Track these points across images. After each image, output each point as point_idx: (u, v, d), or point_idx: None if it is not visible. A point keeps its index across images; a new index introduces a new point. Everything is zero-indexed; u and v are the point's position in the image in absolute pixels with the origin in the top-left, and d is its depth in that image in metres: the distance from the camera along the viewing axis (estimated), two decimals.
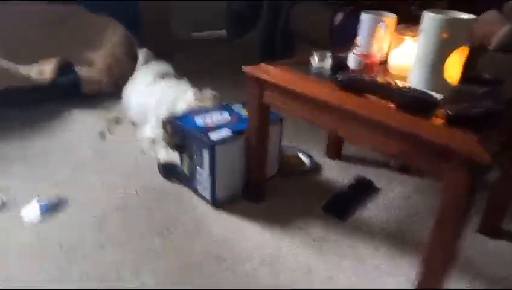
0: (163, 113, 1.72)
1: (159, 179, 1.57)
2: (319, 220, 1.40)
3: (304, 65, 1.27)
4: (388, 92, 0.98)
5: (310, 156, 1.74)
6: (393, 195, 1.55)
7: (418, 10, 1.91)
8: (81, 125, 1.95)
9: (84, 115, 2.04)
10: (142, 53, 2.18)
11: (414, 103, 0.93)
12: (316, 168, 1.70)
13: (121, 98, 2.08)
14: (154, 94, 1.80)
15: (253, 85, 1.27)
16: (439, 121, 0.92)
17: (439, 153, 0.88)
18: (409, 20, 1.84)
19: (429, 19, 1.01)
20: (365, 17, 1.30)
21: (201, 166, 1.40)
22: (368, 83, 1.02)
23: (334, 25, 2.02)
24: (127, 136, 1.88)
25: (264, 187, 1.48)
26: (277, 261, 1.21)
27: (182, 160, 1.51)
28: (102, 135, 1.89)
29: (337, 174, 1.66)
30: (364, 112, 0.99)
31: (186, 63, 2.80)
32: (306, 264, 1.21)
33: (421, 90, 0.97)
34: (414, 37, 1.19)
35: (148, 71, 2.00)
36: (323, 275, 1.18)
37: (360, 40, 1.23)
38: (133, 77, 2.10)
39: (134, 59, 2.32)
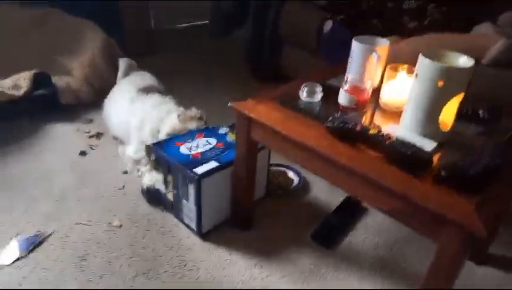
0: (146, 136, 1.66)
1: (144, 205, 1.53)
2: (308, 248, 1.38)
3: (293, 99, 1.22)
4: (380, 145, 0.94)
5: (298, 173, 1.71)
6: (381, 215, 1.54)
7: (410, 22, 1.87)
8: (60, 143, 1.87)
9: (63, 131, 1.95)
10: (123, 63, 2.09)
11: (406, 159, 0.89)
12: (304, 185, 1.67)
13: (101, 108, 2.01)
14: (136, 113, 1.73)
15: (241, 121, 1.21)
16: (432, 181, 0.88)
17: (432, 216, 0.85)
18: (401, 32, 1.79)
19: (425, 66, 0.96)
20: (357, 46, 1.24)
21: (187, 198, 1.35)
22: (358, 134, 0.98)
23: (323, 33, 1.95)
24: (109, 154, 1.81)
25: (251, 214, 1.45)
26: None
27: (166, 185, 1.46)
28: (83, 153, 1.81)
29: (326, 192, 1.64)
30: (354, 164, 0.95)
31: (168, 62, 2.72)
32: None
33: (413, 144, 0.93)
34: (408, 72, 1.15)
35: (129, 85, 1.91)
36: None
37: (349, 76, 1.17)
38: (114, 88, 2.01)
39: (114, 66, 2.22)
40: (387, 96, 1.18)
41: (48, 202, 1.51)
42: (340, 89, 1.17)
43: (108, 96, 2.01)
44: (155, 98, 1.77)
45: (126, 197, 1.56)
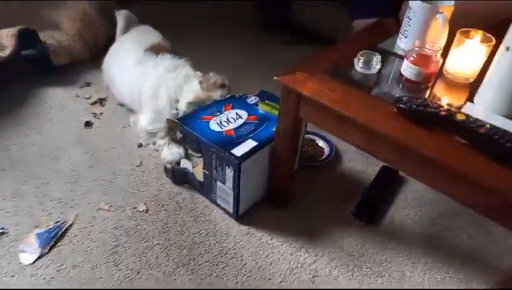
0: (162, 105, 1.48)
1: (168, 184, 1.39)
2: (351, 226, 1.30)
3: (346, 70, 1.07)
4: (470, 134, 0.82)
5: (328, 141, 1.59)
6: (422, 186, 1.46)
7: None
8: (60, 112, 1.67)
9: (60, 97, 1.74)
10: (121, 16, 1.83)
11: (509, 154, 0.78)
12: (336, 154, 1.56)
13: (99, 69, 1.79)
14: (149, 78, 1.53)
15: (288, 97, 1.06)
16: None
17: None
18: None
19: None
20: (417, 6, 1.07)
21: (223, 181, 1.23)
22: (442, 119, 0.85)
23: None
24: (117, 124, 1.63)
25: (289, 191, 1.34)
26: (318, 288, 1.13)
27: (191, 162, 1.32)
28: (88, 124, 1.63)
29: (359, 161, 1.54)
30: (436, 154, 0.84)
31: (161, 11, 2.43)
32: (345, 287, 1.14)
33: (509, 133, 0.81)
34: (484, 40, 1.00)
35: (133, 43, 1.68)
36: None
37: (416, 43, 1.02)
38: (114, 47, 1.78)
39: (108, 19, 1.96)
40: (454, 66, 1.04)
41: (60, 185, 1.36)
42: (405, 60, 1.02)
43: (108, 55, 1.78)
44: (168, 60, 1.57)
45: (146, 176, 1.42)
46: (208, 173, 1.26)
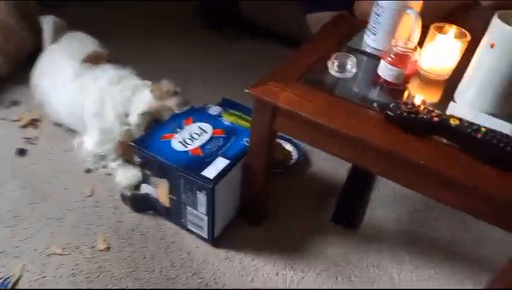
0: (109, 122, 1.31)
1: (128, 213, 1.24)
2: (331, 233, 1.25)
3: (320, 75, 0.99)
4: (466, 139, 0.78)
5: (295, 144, 1.52)
6: (391, 183, 1.44)
7: None
8: None
9: None
10: (47, 23, 1.59)
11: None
12: (304, 158, 1.49)
13: (25, 84, 1.56)
14: (90, 92, 1.34)
15: (262, 110, 0.95)
16: None
17: None
18: None
19: (507, 34, 0.78)
20: (386, 3, 1.01)
21: (194, 206, 1.10)
22: (435, 125, 0.80)
23: None
24: (57, 148, 1.43)
25: (264, 206, 1.25)
26: None
27: (146, 181, 1.18)
28: (21, 152, 1.41)
29: (328, 161, 1.48)
30: (433, 163, 0.79)
31: (87, 12, 2.17)
32: None
33: (506, 136, 0.78)
34: (457, 36, 0.97)
35: (67, 53, 1.47)
36: None
37: (394, 42, 0.96)
38: (43, 59, 1.55)
39: (31, 27, 1.72)
40: (429, 63, 1.00)
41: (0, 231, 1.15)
42: (382, 61, 0.96)
43: (37, 69, 1.55)
44: (110, 70, 1.39)
45: (101, 207, 1.25)
46: (175, 198, 1.13)
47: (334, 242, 1.23)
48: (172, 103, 1.28)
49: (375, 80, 0.98)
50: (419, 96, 0.96)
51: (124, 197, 1.24)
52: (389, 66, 0.94)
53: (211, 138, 1.15)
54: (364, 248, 1.22)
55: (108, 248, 1.14)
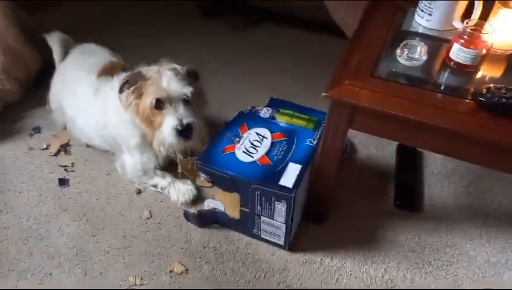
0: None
1: (195, 231, 1.20)
2: (398, 219, 1.25)
3: (388, 65, 0.96)
4: None
5: None
6: (440, 156, 1.44)
7: None
8: (18, 176, 1.34)
9: (11, 157, 1.40)
10: (54, 39, 1.50)
11: None
12: (352, 147, 1.47)
13: (41, 107, 1.52)
14: (111, 105, 1.26)
15: (340, 111, 0.92)
16: None
17: None
18: None
19: None
20: None
21: (271, 216, 1.08)
22: None
23: None
24: (98, 172, 1.36)
25: (329, 204, 1.24)
26: None
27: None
28: (63, 182, 1.34)
29: (372, 144, 1.47)
30: None
31: (86, 12, 2.06)
32: (429, 288, 1.09)
33: None
34: None
35: (81, 68, 1.39)
36: None
37: (465, 23, 0.93)
38: (57, 79, 1.47)
39: (36, 45, 1.61)
40: (499, 39, 0.98)
41: (68, 271, 1.10)
42: (454, 44, 0.93)
43: (54, 91, 1.48)
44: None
45: (164, 228, 1.21)
46: (247, 210, 1.10)
47: (403, 228, 1.23)
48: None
49: (446, 64, 0.96)
50: (495, 76, 0.95)
51: (187, 216, 1.20)
52: (464, 48, 0.92)
53: (273, 143, 1.12)
54: (434, 229, 1.23)
55: (186, 270, 1.11)
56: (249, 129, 1.16)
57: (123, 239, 1.18)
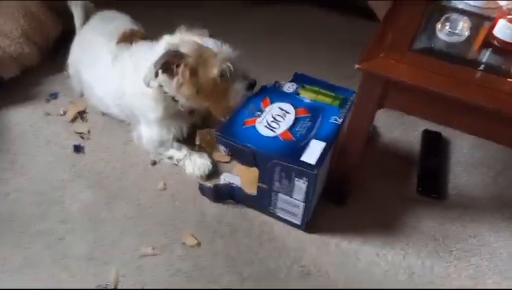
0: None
1: (209, 204, 1.17)
2: (421, 205, 1.20)
3: (427, 40, 0.90)
4: None
5: None
6: (468, 145, 1.38)
7: None
8: (34, 140, 1.32)
9: (27, 121, 1.38)
10: (77, 7, 1.47)
11: None
12: (375, 130, 1.42)
13: (59, 73, 1.51)
14: (129, 73, 1.22)
15: (372, 85, 0.87)
16: None
17: None
18: None
19: None
20: None
21: (289, 193, 1.04)
22: None
23: None
24: (114, 141, 1.34)
25: (350, 186, 1.19)
26: (420, 286, 1.03)
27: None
28: (78, 149, 1.32)
29: (398, 129, 1.42)
30: None
31: None
32: (446, 278, 1.05)
33: None
34: None
35: (101, 34, 1.36)
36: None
37: None
38: (76, 43, 1.44)
39: (55, 11, 1.59)
40: None
41: (79, 237, 1.08)
42: (500, 21, 0.87)
43: (72, 56, 1.45)
44: (145, 46, 1.24)
45: (179, 200, 1.18)
46: (265, 186, 1.06)
47: (426, 215, 1.18)
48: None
49: (489, 42, 0.90)
50: None
51: (203, 189, 1.17)
52: (510, 25, 0.85)
53: (297, 119, 1.07)
54: (458, 218, 1.18)
55: (199, 243, 1.08)
56: (271, 103, 1.12)
57: (137, 209, 1.15)
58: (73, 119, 1.41)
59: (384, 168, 1.30)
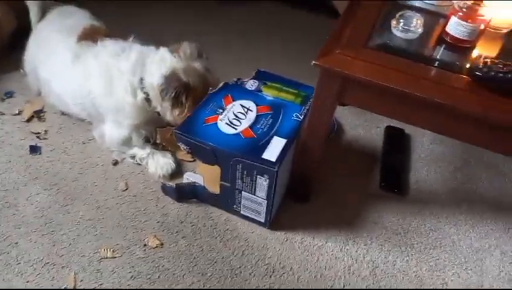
0: (126, 100, 1.18)
1: (171, 204, 1.15)
2: (383, 201, 1.22)
3: (383, 37, 0.91)
4: None
5: None
6: (428, 140, 1.42)
7: None
8: None
9: None
10: (33, 1, 1.40)
11: None
12: (339, 126, 1.43)
13: (14, 71, 1.45)
14: (97, 76, 1.20)
15: (330, 82, 0.87)
16: None
17: None
18: None
19: None
20: None
21: (252, 191, 1.03)
22: None
23: None
24: (73, 141, 1.30)
25: (312, 183, 1.20)
26: (382, 280, 1.04)
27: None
28: (34, 149, 1.26)
29: (361, 126, 1.44)
30: None
31: None
32: (407, 271, 1.07)
33: None
34: None
35: (59, 31, 1.31)
36: (433, 281, 1.06)
37: None
38: (33, 40, 1.38)
39: (10, 6, 1.52)
40: (493, 15, 0.94)
41: (35, 241, 1.03)
42: (452, 18, 0.89)
43: (29, 53, 1.39)
44: (111, 44, 1.22)
45: (141, 200, 1.16)
46: (228, 184, 1.05)
47: (387, 210, 1.20)
48: (199, 66, 1.15)
49: (442, 39, 0.92)
50: (494, 55, 0.91)
51: (165, 189, 1.15)
52: (462, 22, 0.87)
53: (258, 117, 1.06)
54: (418, 212, 1.21)
55: (161, 244, 1.06)
56: (233, 101, 1.10)
57: (96, 211, 1.12)
58: (30, 119, 1.35)
59: (347, 165, 1.32)
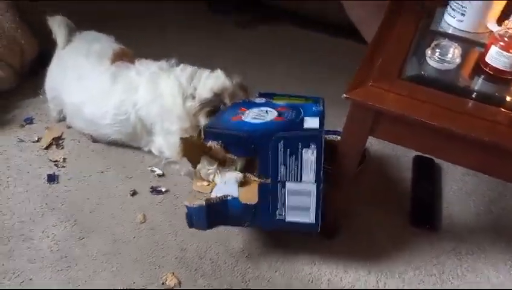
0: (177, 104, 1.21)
1: (190, 237, 1.09)
2: (413, 237, 1.15)
3: (417, 67, 0.86)
4: None
5: None
6: (460, 171, 1.34)
7: None
8: (4, 170, 1.23)
9: (0, 145, 1.30)
10: (60, 25, 1.39)
11: None
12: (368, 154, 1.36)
13: (33, 97, 1.44)
14: (143, 84, 1.23)
15: (361, 116, 0.82)
16: None
17: None
18: None
19: None
20: None
21: (298, 177, 0.92)
22: None
23: None
24: (91, 170, 1.26)
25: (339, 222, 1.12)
26: None
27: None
28: (52, 179, 1.24)
29: (387, 155, 1.37)
30: None
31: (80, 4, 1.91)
32: None
33: None
34: None
35: (90, 55, 1.31)
36: None
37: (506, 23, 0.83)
38: (57, 66, 1.37)
39: (30, 27, 1.52)
40: None
41: (49, 277, 0.99)
42: (492, 46, 0.83)
43: (54, 79, 1.37)
44: (152, 64, 1.28)
45: (158, 234, 1.10)
46: (268, 181, 0.94)
47: (419, 248, 1.13)
48: (240, 96, 1.18)
49: (481, 69, 0.86)
50: None
51: (192, 216, 0.99)
52: (503, 52, 0.81)
53: (280, 113, 1.03)
54: (453, 251, 1.13)
55: (180, 283, 1.00)
56: (248, 110, 1.07)
57: (113, 244, 1.07)
58: (48, 146, 1.33)
59: (375, 195, 1.25)
